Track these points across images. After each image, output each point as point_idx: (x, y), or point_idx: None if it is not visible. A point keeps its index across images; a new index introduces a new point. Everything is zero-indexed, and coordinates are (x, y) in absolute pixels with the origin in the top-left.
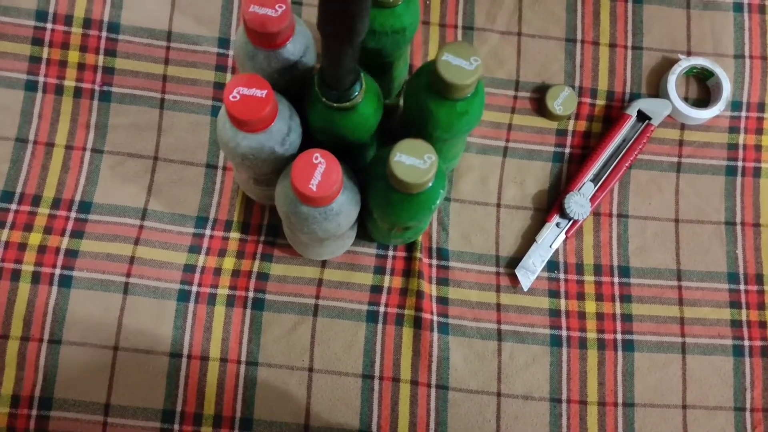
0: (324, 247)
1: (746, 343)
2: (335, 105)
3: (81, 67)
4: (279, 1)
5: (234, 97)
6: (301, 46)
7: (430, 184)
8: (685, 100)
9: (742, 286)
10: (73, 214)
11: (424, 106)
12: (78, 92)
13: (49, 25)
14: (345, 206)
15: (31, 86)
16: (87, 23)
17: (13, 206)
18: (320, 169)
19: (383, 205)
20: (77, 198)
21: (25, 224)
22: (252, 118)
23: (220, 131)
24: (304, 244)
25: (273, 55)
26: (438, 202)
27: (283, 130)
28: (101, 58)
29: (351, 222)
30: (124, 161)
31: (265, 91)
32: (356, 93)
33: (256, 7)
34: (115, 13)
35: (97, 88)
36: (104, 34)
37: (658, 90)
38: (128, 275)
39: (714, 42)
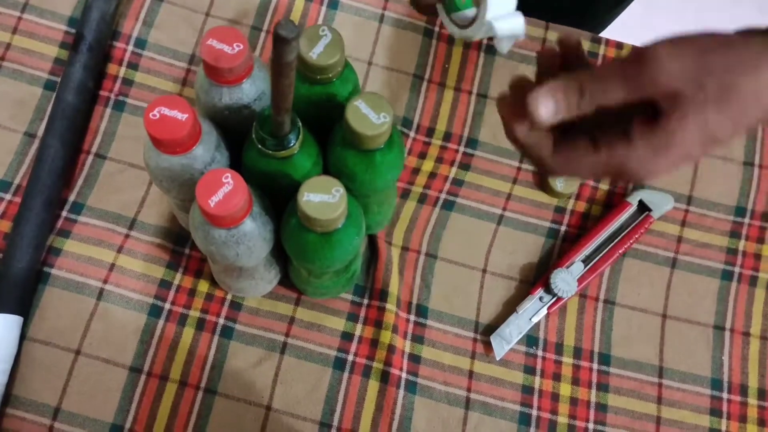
0: (234, 280)
1: None
2: (270, 152)
3: (101, 74)
4: (238, 40)
5: (154, 115)
6: (256, 89)
7: (342, 223)
8: None
9: (724, 395)
10: (64, 213)
11: (337, 152)
12: (93, 98)
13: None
14: (248, 237)
15: (50, 86)
16: (116, 36)
17: (8, 196)
18: (225, 188)
19: (299, 247)
20: (71, 198)
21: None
22: (168, 138)
23: (144, 149)
24: (216, 271)
25: (226, 91)
26: (352, 246)
27: (205, 159)
28: (123, 69)
29: (254, 257)
30: (125, 170)
31: (186, 115)
32: (292, 143)
33: (214, 41)
34: (145, 31)
35: (113, 96)
36: (130, 47)
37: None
38: (105, 281)
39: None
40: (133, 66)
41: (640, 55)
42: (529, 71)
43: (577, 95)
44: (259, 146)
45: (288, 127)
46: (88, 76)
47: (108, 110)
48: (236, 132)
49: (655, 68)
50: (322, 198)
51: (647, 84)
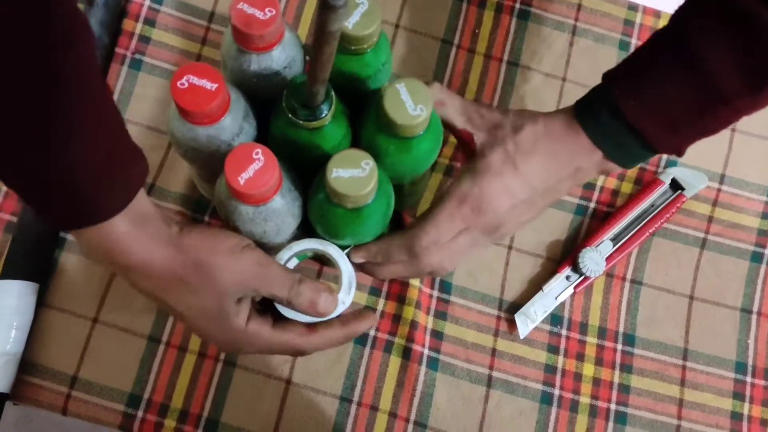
0: None
1: None
2: (300, 122)
3: (117, 30)
4: (270, 5)
5: (182, 84)
6: (286, 56)
7: (372, 198)
8: None
9: (748, 378)
10: None
11: (369, 133)
12: (109, 55)
13: None
14: (276, 214)
15: None
16: None
17: None
18: (256, 165)
19: (327, 222)
20: None
21: None
22: (196, 109)
23: (169, 119)
24: None
25: (255, 58)
26: (383, 221)
27: (233, 130)
28: (139, 25)
29: (282, 234)
30: (142, 132)
31: (216, 85)
32: (325, 113)
33: (245, 6)
34: None
35: (129, 54)
36: (147, 2)
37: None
38: None
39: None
40: (150, 22)
41: None
42: (563, 38)
43: None
44: (290, 116)
45: (322, 97)
46: (103, 32)
47: (124, 69)
48: (264, 100)
49: None
50: (351, 173)
51: None
